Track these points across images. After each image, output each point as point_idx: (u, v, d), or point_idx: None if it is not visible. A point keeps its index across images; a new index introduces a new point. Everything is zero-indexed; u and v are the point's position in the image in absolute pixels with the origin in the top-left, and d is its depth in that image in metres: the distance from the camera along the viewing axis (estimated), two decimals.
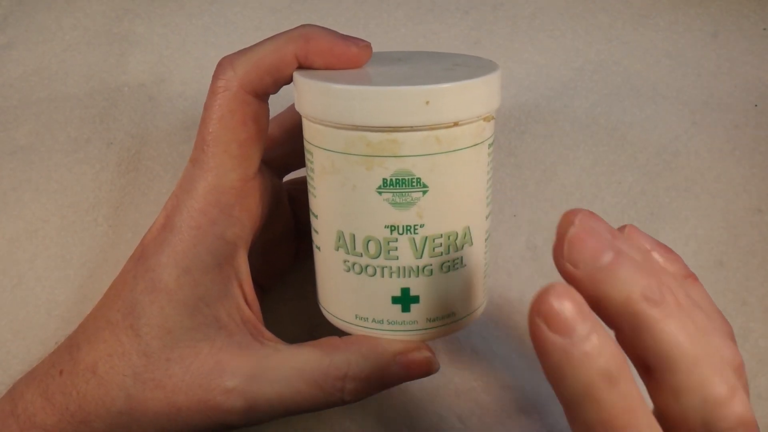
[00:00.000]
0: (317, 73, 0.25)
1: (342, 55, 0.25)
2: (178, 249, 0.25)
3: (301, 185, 0.32)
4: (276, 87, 0.26)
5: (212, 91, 0.25)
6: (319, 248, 0.27)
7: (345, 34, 0.26)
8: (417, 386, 0.35)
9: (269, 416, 0.26)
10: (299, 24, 0.26)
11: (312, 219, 0.27)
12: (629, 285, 0.18)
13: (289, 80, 0.26)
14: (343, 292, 0.26)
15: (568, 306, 0.18)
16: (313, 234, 0.27)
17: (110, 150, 0.35)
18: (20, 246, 0.34)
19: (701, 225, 0.35)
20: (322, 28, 0.25)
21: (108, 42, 0.36)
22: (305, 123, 0.25)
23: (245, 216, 0.26)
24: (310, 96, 0.24)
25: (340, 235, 0.25)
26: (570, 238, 0.19)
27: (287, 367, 0.25)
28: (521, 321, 0.34)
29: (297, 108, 0.25)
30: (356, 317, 0.26)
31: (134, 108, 0.35)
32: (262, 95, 0.26)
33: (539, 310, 0.18)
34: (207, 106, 0.26)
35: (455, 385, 0.35)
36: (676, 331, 0.18)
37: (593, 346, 0.18)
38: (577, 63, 0.36)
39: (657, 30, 0.37)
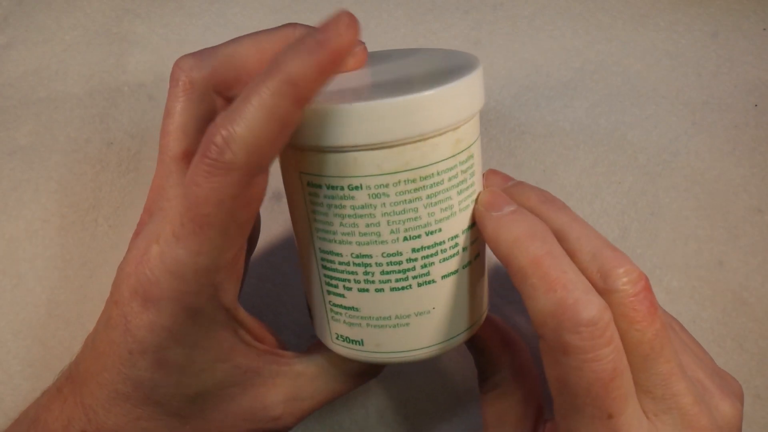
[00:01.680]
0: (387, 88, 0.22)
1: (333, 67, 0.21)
2: (177, 331, 0.23)
3: None
4: (282, 148, 0.22)
5: (205, 170, 0.20)
6: (476, 257, 0.25)
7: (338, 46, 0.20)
8: (417, 387, 0.35)
9: (314, 412, 0.28)
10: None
11: (462, 237, 0.24)
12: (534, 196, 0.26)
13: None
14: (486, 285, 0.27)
15: (500, 194, 0.25)
16: (470, 251, 0.25)
17: (110, 150, 0.35)
18: (20, 246, 0.34)
19: (701, 225, 0.35)
20: (310, 61, 0.20)
21: (108, 42, 0.36)
22: (449, 141, 0.22)
23: (235, 280, 0.24)
24: (450, 104, 0.22)
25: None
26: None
27: (322, 379, 0.27)
28: (522, 322, 0.34)
29: (406, 134, 0.21)
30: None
31: (134, 108, 0.35)
32: (266, 169, 0.22)
33: (483, 202, 0.24)
34: (198, 182, 0.20)
35: (455, 386, 0.35)
36: (568, 214, 0.25)
37: (517, 214, 0.24)
38: (577, 63, 0.36)
39: (657, 30, 0.37)
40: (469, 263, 0.25)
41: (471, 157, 0.24)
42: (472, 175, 0.24)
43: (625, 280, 0.22)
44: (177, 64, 0.24)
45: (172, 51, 0.36)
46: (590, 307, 0.21)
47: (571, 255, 0.23)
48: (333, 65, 0.20)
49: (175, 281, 0.22)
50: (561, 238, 0.24)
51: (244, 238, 0.23)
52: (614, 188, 0.35)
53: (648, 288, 0.22)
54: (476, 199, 0.25)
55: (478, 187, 0.25)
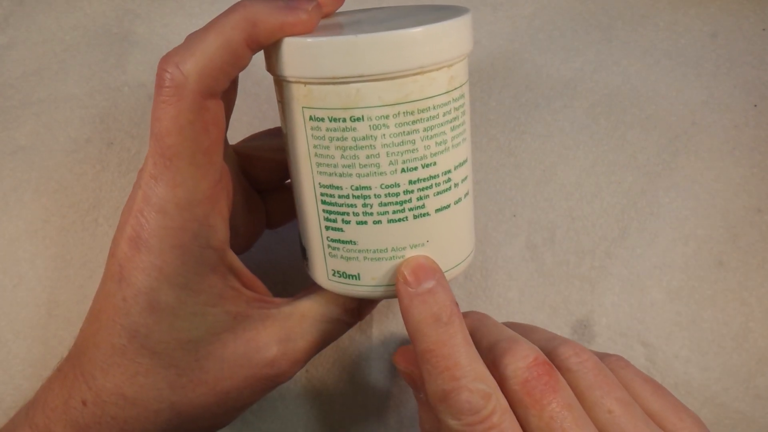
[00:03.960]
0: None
1: (293, 27, 0.23)
2: (168, 270, 0.24)
3: (255, 143, 0.31)
4: (230, 81, 0.24)
5: (162, 101, 0.23)
6: (465, 195, 0.26)
7: None
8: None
9: (309, 359, 0.28)
10: None
11: (455, 174, 0.26)
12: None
13: (241, 70, 0.24)
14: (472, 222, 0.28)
15: (423, 265, 0.25)
16: (461, 188, 0.26)
17: (110, 150, 0.35)
18: (21, 246, 0.34)
19: (701, 225, 0.35)
20: (276, 14, 0.23)
21: (108, 42, 0.36)
22: (444, 77, 0.24)
23: (221, 220, 0.25)
24: (447, 40, 0.24)
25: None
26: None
27: (310, 318, 0.28)
28: (522, 321, 0.34)
29: (407, 66, 0.23)
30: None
31: (134, 108, 0.35)
32: (217, 95, 0.24)
33: (405, 273, 0.25)
34: (158, 117, 0.23)
35: None
36: (481, 319, 0.27)
37: (428, 296, 0.24)
38: (577, 63, 0.36)
39: (657, 30, 0.37)
40: (460, 200, 0.26)
41: (462, 96, 0.25)
42: (464, 114, 0.25)
43: (518, 365, 0.23)
44: None
45: None
46: (472, 395, 0.22)
47: (478, 350, 0.24)
48: (287, 29, 0.23)
49: (160, 218, 0.24)
50: (473, 338, 0.25)
51: (215, 169, 0.24)
52: (614, 188, 0.35)
53: (545, 372, 0.23)
54: (402, 264, 0.25)
55: (468, 129, 0.26)
